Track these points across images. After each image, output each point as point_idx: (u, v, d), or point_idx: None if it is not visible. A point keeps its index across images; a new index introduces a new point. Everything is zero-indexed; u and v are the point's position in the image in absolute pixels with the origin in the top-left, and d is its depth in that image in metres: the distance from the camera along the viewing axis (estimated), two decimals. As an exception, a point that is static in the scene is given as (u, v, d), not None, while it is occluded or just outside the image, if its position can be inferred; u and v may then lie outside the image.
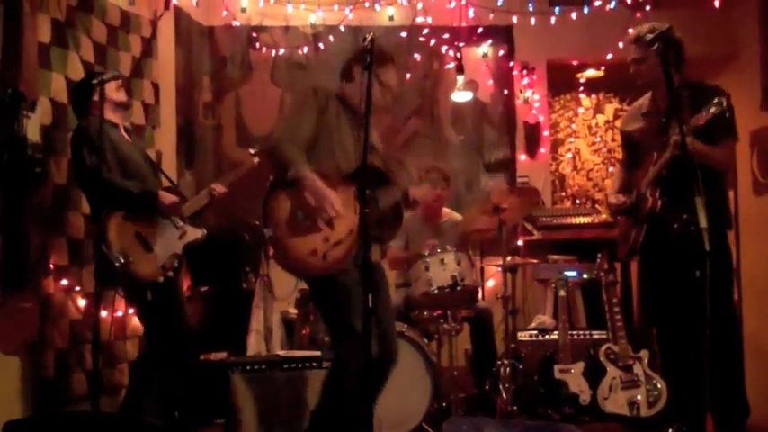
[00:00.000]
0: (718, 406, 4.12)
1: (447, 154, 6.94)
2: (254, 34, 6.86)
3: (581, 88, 8.17)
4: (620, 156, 7.91)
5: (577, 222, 6.38)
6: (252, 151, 4.94)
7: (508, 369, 5.19)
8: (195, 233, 4.41)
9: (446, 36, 6.89)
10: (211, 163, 6.58)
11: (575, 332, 5.62)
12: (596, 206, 7.96)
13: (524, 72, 7.00)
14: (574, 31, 6.84)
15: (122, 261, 3.91)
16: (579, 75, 7.79)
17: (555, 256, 6.25)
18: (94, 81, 4.00)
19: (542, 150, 7.08)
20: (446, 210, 5.87)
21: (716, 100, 3.82)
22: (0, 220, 4.05)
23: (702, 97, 4.06)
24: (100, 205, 4.13)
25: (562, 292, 5.42)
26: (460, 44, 6.72)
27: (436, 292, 4.89)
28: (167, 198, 4.28)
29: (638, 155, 4.44)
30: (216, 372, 4.64)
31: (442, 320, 5.13)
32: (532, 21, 6.82)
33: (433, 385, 4.81)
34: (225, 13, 6.76)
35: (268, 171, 3.86)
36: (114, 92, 4.37)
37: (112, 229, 4.02)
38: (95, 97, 4.23)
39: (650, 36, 3.96)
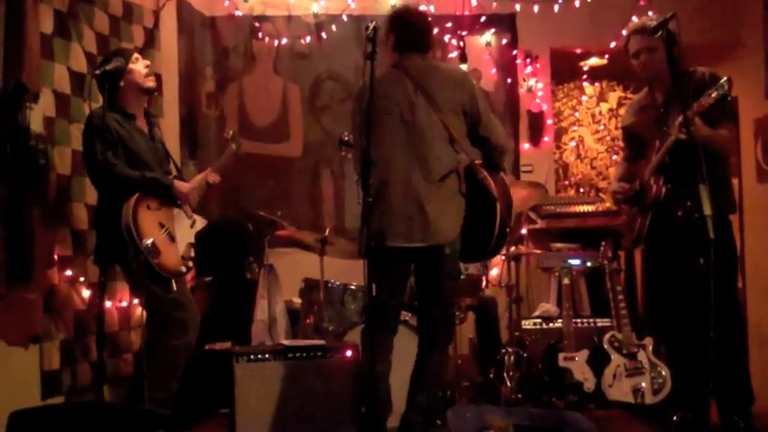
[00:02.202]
0: (723, 393, 4.13)
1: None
2: (257, 24, 6.85)
3: (584, 76, 8.14)
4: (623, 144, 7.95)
5: (581, 211, 6.38)
6: (228, 137, 4.89)
7: (512, 357, 5.20)
8: (202, 222, 4.45)
9: (449, 25, 6.87)
10: (214, 153, 6.54)
11: (579, 320, 5.63)
12: (600, 194, 7.96)
13: (528, 60, 6.98)
14: (577, 19, 6.82)
15: (152, 251, 3.95)
16: (583, 63, 7.76)
17: (559, 245, 6.25)
18: (114, 65, 4.00)
19: (546, 139, 7.07)
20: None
21: (718, 83, 3.82)
22: (4, 211, 4.05)
23: (697, 85, 4.07)
24: (110, 195, 4.10)
25: (566, 281, 5.42)
26: (463, 33, 6.71)
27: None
28: (183, 186, 4.29)
29: (640, 148, 4.45)
30: (220, 361, 4.64)
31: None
32: (535, 9, 6.80)
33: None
34: (227, 2, 6.75)
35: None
36: (143, 77, 4.33)
37: (142, 219, 4.03)
38: (122, 83, 4.23)
39: (654, 23, 3.94)
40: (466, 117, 3.94)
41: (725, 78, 3.87)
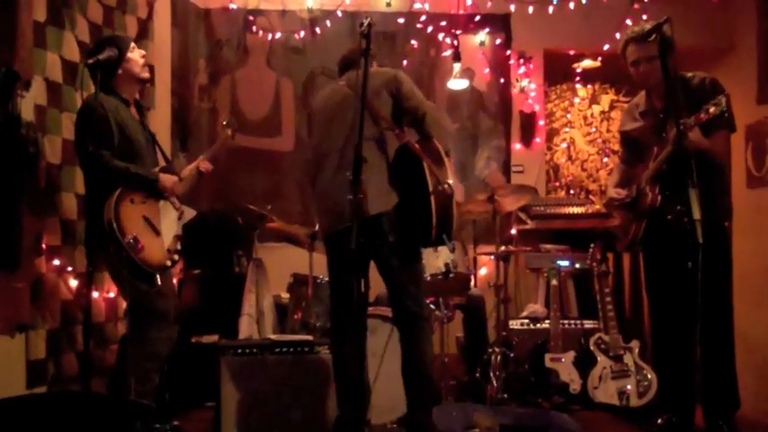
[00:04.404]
0: (709, 397, 4.14)
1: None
2: (251, 17, 6.83)
3: (577, 78, 8.15)
4: (614, 146, 7.97)
5: (571, 212, 6.39)
6: (224, 123, 4.90)
7: (499, 357, 5.20)
8: (191, 213, 4.42)
9: (443, 23, 6.87)
10: (205, 145, 6.50)
11: (566, 321, 5.64)
12: (590, 196, 7.98)
13: (521, 61, 6.99)
14: (571, 21, 6.83)
15: (134, 247, 3.92)
16: (576, 65, 7.78)
17: (548, 246, 6.26)
18: (107, 55, 3.96)
19: (537, 140, 7.07)
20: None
21: (716, 99, 3.80)
22: (-7, 199, 4.04)
23: (696, 91, 4.07)
24: (99, 184, 4.07)
25: (554, 282, 5.44)
26: (458, 32, 6.71)
27: (429, 279, 4.89)
28: (169, 180, 4.27)
29: (638, 152, 4.44)
30: (207, 355, 4.64)
31: (434, 307, 5.14)
32: (530, 9, 6.81)
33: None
34: (222, -5, 6.75)
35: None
36: (140, 67, 4.32)
37: (125, 214, 4.00)
38: (120, 71, 4.22)
39: (647, 28, 3.94)
40: (393, 98, 4.07)
41: (723, 95, 3.84)
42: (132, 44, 4.33)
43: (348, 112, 4.01)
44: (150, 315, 4.16)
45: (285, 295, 5.58)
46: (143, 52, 4.40)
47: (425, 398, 3.96)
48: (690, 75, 4.25)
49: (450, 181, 3.90)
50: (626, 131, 4.62)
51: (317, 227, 5.29)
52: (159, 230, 4.18)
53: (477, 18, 6.91)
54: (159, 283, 4.14)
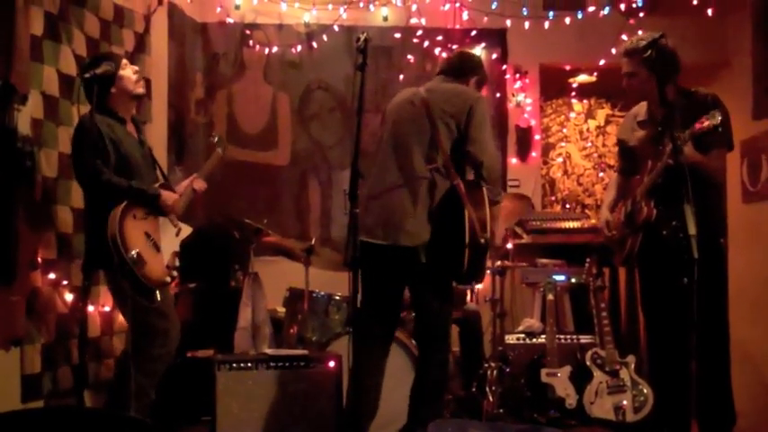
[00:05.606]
0: (705, 412, 4.14)
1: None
2: (248, 32, 6.85)
3: (573, 93, 8.18)
4: (610, 161, 7.99)
5: (567, 227, 6.39)
6: (214, 141, 4.92)
7: (495, 372, 5.20)
8: (187, 230, 4.41)
9: (440, 38, 6.88)
10: (201, 159, 6.49)
11: (562, 336, 5.64)
12: (586, 211, 7.98)
13: (517, 76, 7.01)
14: (567, 36, 6.85)
15: (137, 262, 3.92)
16: (571, 79, 7.80)
17: (544, 260, 6.26)
18: (104, 69, 3.96)
19: (533, 154, 7.08)
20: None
21: (710, 113, 3.82)
22: (-11, 212, 4.02)
23: (698, 106, 4.08)
24: (98, 201, 4.05)
25: (550, 296, 5.44)
26: (454, 46, 6.72)
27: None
28: (170, 197, 4.27)
29: (635, 163, 4.45)
30: (202, 369, 4.62)
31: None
32: (526, 25, 6.83)
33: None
34: (219, 9, 6.76)
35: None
36: (133, 83, 4.31)
37: (128, 229, 3.99)
38: (114, 90, 4.21)
39: (642, 43, 3.96)
40: (459, 132, 4.03)
41: (718, 110, 3.86)
42: (124, 61, 4.33)
43: (416, 136, 4.07)
44: (151, 333, 4.17)
45: (281, 309, 5.57)
46: (136, 68, 4.39)
47: (429, 418, 3.95)
48: (693, 89, 4.27)
49: (488, 234, 3.94)
50: (623, 140, 4.63)
51: (313, 240, 5.30)
52: (160, 246, 4.19)
53: (474, 33, 6.92)
54: (159, 299, 4.14)
